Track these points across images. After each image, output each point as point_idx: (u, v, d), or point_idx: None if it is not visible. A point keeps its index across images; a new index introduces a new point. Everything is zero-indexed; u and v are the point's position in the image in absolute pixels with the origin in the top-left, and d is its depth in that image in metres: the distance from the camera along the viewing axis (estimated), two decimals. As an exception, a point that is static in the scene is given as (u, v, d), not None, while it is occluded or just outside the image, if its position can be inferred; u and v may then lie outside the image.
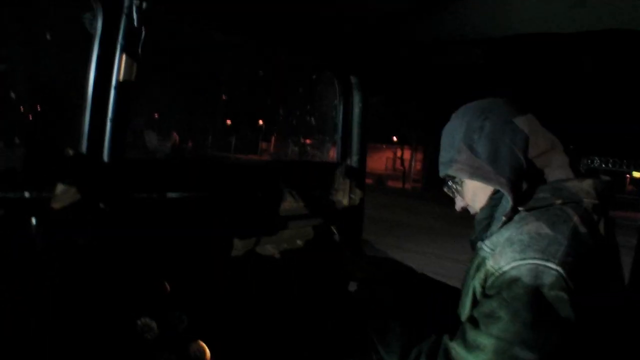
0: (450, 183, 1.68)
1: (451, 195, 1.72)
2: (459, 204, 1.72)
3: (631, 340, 1.62)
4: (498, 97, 1.63)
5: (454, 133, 1.62)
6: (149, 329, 1.62)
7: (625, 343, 1.53)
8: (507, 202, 1.47)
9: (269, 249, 2.22)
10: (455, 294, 1.74)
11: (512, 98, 1.60)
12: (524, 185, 1.49)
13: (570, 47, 2.04)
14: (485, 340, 1.29)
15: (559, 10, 1.77)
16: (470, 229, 1.69)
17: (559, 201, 1.43)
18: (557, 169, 1.51)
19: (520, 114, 1.54)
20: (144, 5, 1.60)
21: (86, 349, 1.53)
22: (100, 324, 1.57)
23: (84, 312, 1.54)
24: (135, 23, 1.61)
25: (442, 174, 1.68)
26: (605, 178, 1.50)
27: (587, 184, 1.45)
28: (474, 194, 1.63)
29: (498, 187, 1.50)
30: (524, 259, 1.31)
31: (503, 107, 1.57)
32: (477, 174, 1.54)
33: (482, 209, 1.61)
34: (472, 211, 1.69)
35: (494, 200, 1.56)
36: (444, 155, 1.66)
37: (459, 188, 1.67)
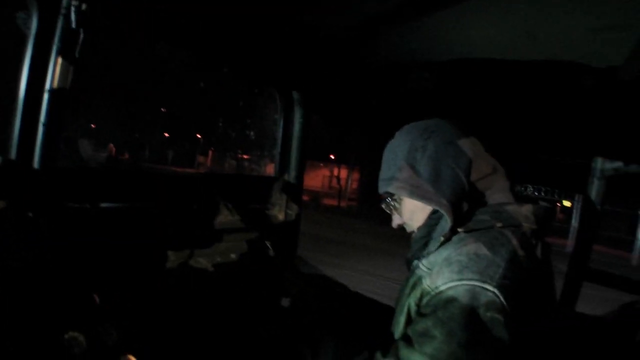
0: (388, 200, 1.68)
1: (389, 212, 1.72)
2: (396, 221, 1.72)
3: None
4: (444, 119, 1.63)
5: (396, 151, 1.62)
6: (77, 343, 1.55)
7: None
8: (446, 223, 1.47)
9: (202, 261, 2.18)
10: (388, 312, 1.73)
11: (457, 120, 1.62)
12: (464, 207, 1.50)
13: (519, 75, 2.08)
14: (418, 358, 1.28)
15: (509, 38, 1.81)
16: (405, 248, 1.68)
17: (498, 224, 1.44)
18: (497, 193, 1.53)
19: (464, 136, 1.55)
20: (83, 6, 1.55)
21: None
22: (25, 338, 1.50)
23: (6, 326, 1.47)
24: (73, 24, 1.55)
25: (381, 190, 1.67)
26: (545, 205, 1.53)
27: (526, 209, 1.47)
28: (412, 212, 1.63)
29: (437, 208, 1.50)
30: (461, 279, 1.31)
31: (448, 128, 1.58)
32: (417, 194, 1.54)
33: (419, 228, 1.61)
34: (408, 229, 1.69)
35: (432, 219, 1.56)
36: (384, 172, 1.66)
37: (397, 206, 1.67)
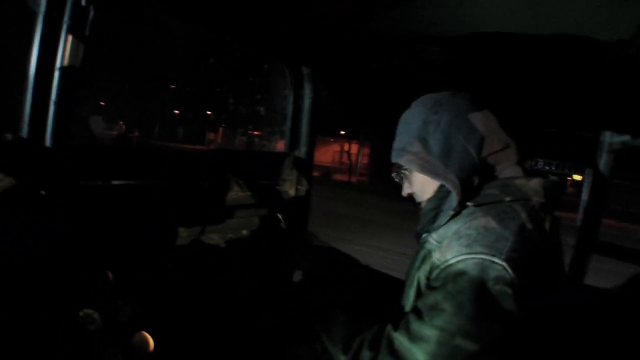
0: (399, 169, 1.69)
1: (398, 180, 1.74)
2: (406, 190, 1.73)
3: (571, 336, 1.67)
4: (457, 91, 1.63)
5: (410, 122, 1.62)
6: (92, 320, 1.57)
7: (565, 339, 1.57)
8: (454, 198, 1.49)
9: (214, 238, 2.19)
10: (398, 286, 1.75)
11: (471, 93, 1.61)
12: (475, 181, 1.50)
13: (527, 49, 2.05)
14: (429, 331, 1.30)
15: (518, 9, 1.79)
16: (415, 224, 1.70)
17: (507, 198, 1.44)
18: (507, 167, 1.53)
19: (477, 110, 1.55)
20: None
21: (27, 343, 1.47)
22: (41, 316, 1.52)
23: (23, 303, 1.49)
24: (83, 1, 1.55)
25: (393, 160, 1.68)
26: (553, 178, 1.52)
27: (535, 183, 1.47)
28: (422, 185, 1.64)
29: (445, 184, 1.51)
30: (471, 253, 1.32)
31: (459, 101, 1.57)
32: (427, 168, 1.54)
33: (429, 200, 1.61)
34: (418, 199, 1.70)
35: (442, 192, 1.57)
36: (397, 142, 1.67)
37: (407, 174, 1.68)
